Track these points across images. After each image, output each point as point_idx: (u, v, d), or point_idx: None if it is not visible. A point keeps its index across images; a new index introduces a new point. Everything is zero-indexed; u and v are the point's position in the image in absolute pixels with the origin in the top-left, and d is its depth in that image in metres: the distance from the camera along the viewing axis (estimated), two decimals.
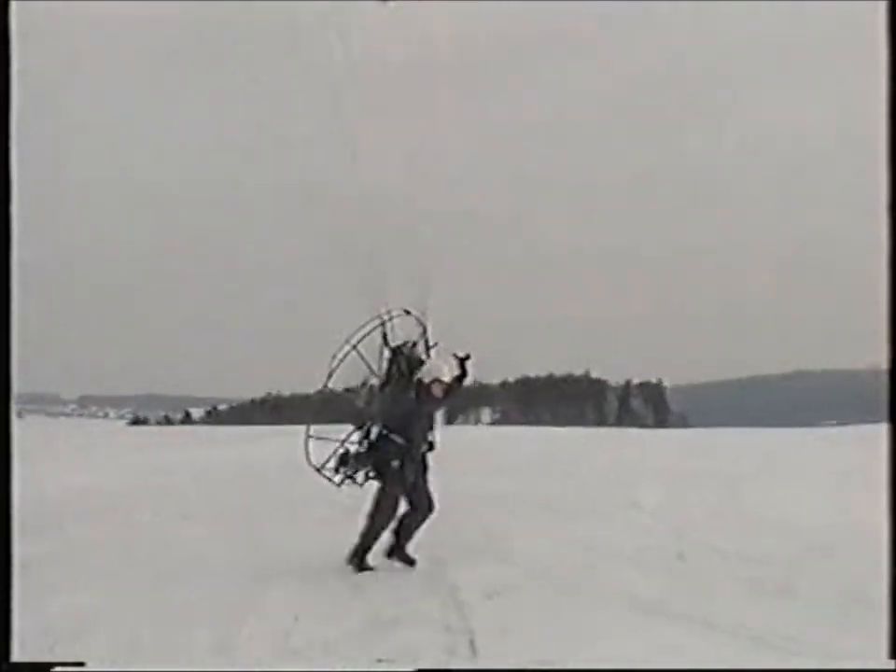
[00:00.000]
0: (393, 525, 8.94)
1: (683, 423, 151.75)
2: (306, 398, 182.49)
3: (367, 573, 8.75)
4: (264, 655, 6.21)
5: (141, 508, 14.21)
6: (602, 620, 7.12)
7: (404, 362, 8.97)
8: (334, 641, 6.49)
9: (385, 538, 9.00)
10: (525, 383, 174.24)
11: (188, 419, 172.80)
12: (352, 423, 9.16)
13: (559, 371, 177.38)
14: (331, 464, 9.14)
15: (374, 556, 8.96)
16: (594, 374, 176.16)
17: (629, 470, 21.21)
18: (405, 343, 9.06)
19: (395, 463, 8.75)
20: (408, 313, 9.01)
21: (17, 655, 4.88)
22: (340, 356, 9.03)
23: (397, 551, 9.00)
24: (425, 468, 9.01)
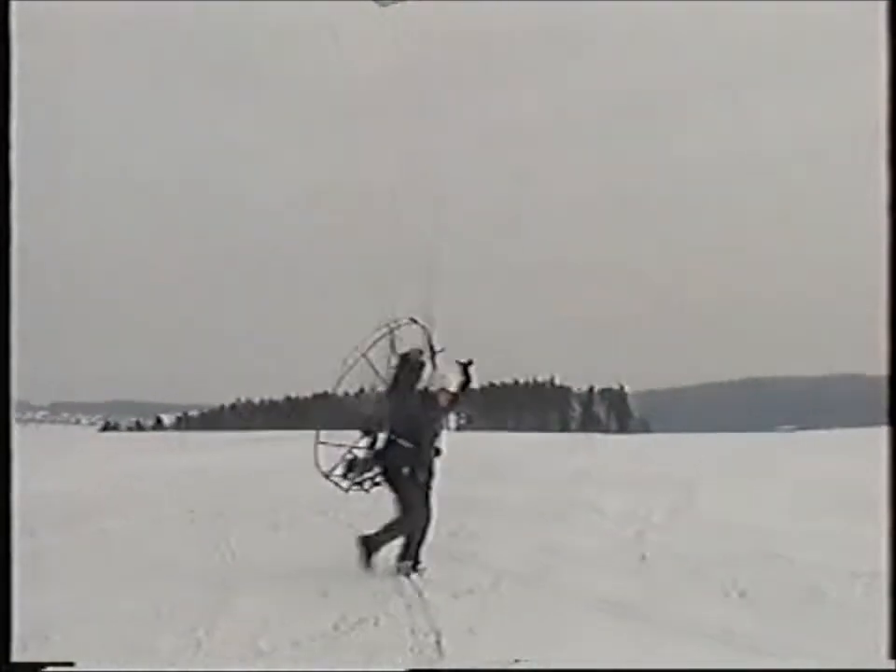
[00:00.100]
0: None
1: (645, 428, 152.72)
2: (275, 404, 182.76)
3: (335, 575, 8.72)
4: (233, 656, 6.21)
5: (113, 512, 14.13)
6: (568, 620, 7.16)
7: (410, 369, 8.97)
8: (302, 642, 6.50)
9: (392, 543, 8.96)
10: (490, 389, 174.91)
11: (159, 425, 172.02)
12: (359, 429, 9.12)
13: (524, 377, 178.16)
14: (339, 470, 9.10)
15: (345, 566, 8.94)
16: (558, 381, 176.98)
17: (592, 475, 21.24)
18: (412, 351, 9.04)
19: (405, 469, 8.73)
20: (414, 321, 9.01)
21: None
22: (350, 362, 9.01)
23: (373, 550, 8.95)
24: (430, 474, 9.00)
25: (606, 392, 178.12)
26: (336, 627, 6.89)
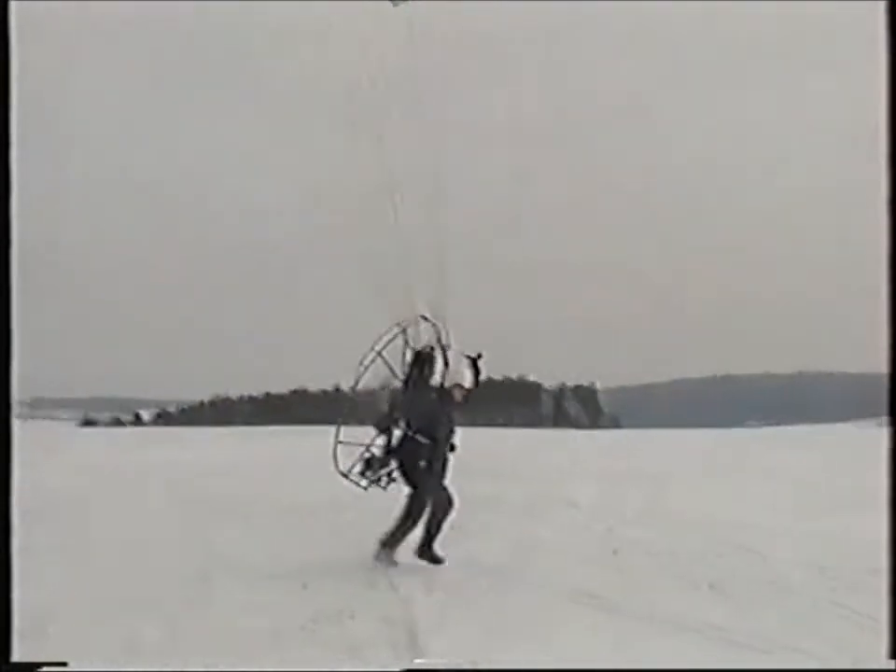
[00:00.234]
0: (421, 525, 8.88)
1: (615, 424, 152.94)
2: (253, 399, 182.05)
3: (313, 570, 8.69)
4: (211, 647, 6.18)
5: (92, 507, 14.07)
6: (542, 612, 7.18)
7: (423, 365, 8.94)
8: (281, 634, 6.48)
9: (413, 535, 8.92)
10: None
11: (138, 421, 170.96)
12: (374, 426, 9.07)
13: (496, 374, 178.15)
14: (357, 468, 9.04)
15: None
16: (529, 377, 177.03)
17: (565, 470, 21.34)
18: (424, 348, 9.01)
19: (422, 463, 8.70)
20: (425, 319, 8.98)
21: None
22: (366, 362, 8.95)
23: (424, 550, 8.92)
24: (444, 469, 8.97)
25: (577, 389, 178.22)
26: (314, 620, 6.87)
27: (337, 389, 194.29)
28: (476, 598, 7.62)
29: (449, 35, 8.27)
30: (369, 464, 8.95)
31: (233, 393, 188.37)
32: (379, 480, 9.00)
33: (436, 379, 8.94)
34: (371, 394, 9.29)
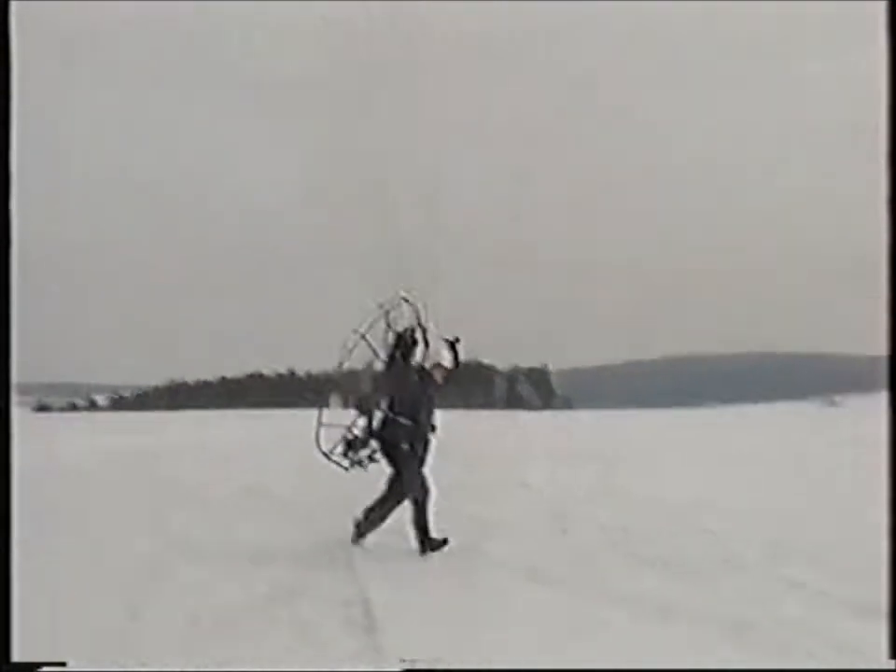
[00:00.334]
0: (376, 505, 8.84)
1: (568, 405, 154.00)
2: (208, 384, 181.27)
3: (268, 551, 8.68)
4: (171, 627, 6.17)
5: (45, 491, 13.95)
6: (493, 589, 7.22)
7: (405, 347, 8.89)
8: (237, 614, 6.48)
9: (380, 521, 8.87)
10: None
11: (93, 406, 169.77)
12: (355, 407, 9.04)
13: None
14: (339, 449, 8.99)
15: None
16: (483, 360, 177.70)
17: (518, 451, 21.44)
18: (407, 330, 8.95)
19: (405, 445, 8.66)
20: (406, 300, 8.93)
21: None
22: (349, 345, 8.89)
23: (364, 534, 8.90)
24: (426, 450, 8.93)
25: (530, 371, 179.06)
26: (269, 599, 6.87)
27: (292, 373, 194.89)
28: (431, 577, 7.66)
29: (449, 34, 8.22)
30: (350, 445, 8.92)
31: (189, 378, 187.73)
32: (360, 461, 8.99)
33: (417, 360, 8.92)
34: (353, 375, 9.27)
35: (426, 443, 8.89)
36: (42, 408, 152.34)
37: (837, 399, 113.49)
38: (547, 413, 78.30)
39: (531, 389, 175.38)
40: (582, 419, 52.51)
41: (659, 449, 24.30)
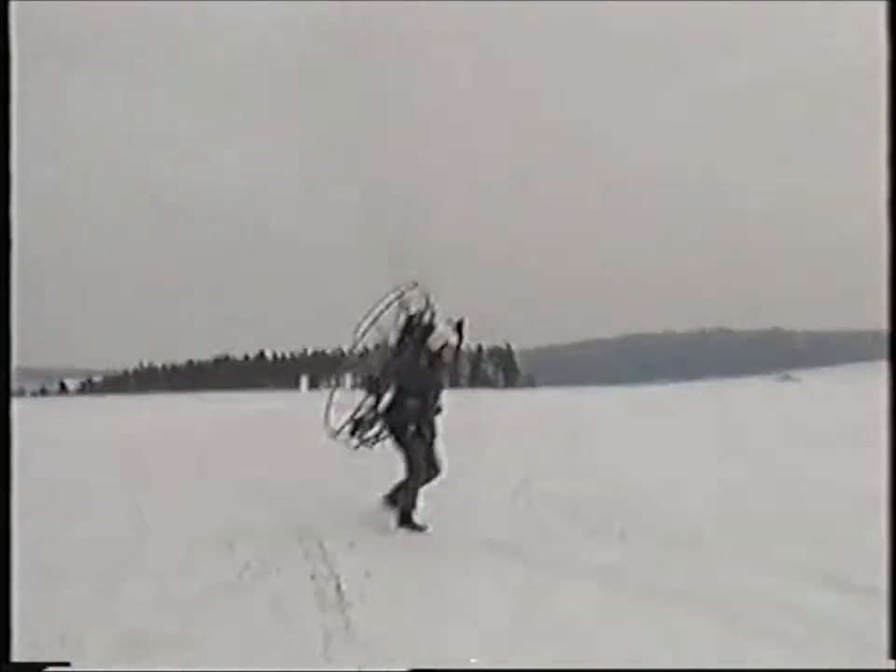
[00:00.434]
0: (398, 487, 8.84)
1: (531, 383, 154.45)
2: (176, 368, 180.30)
3: (240, 531, 8.73)
4: (143, 605, 6.24)
5: (15, 474, 13.89)
6: (458, 562, 7.36)
7: (418, 331, 8.90)
8: (210, 591, 6.56)
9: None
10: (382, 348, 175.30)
11: (63, 390, 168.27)
12: (364, 388, 9.06)
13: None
14: (346, 428, 9.00)
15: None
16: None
17: (481, 428, 21.52)
18: (419, 313, 8.95)
19: (412, 427, 8.70)
20: (416, 284, 8.92)
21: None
22: (363, 327, 8.95)
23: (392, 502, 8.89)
24: (433, 431, 8.97)
25: (494, 350, 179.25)
26: (241, 576, 6.95)
27: (261, 354, 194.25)
28: (399, 552, 7.76)
29: (449, 35, 8.21)
30: (358, 424, 8.99)
31: (157, 361, 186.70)
32: (367, 440, 9.05)
33: (427, 343, 8.92)
34: (363, 357, 9.30)
35: (432, 425, 8.94)
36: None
37: (795, 374, 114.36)
38: (510, 392, 78.34)
39: (494, 368, 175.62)
40: (545, 397, 52.60)
41: (619, 424, 24.46)
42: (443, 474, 8.95)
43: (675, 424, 24.54)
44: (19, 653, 4.60)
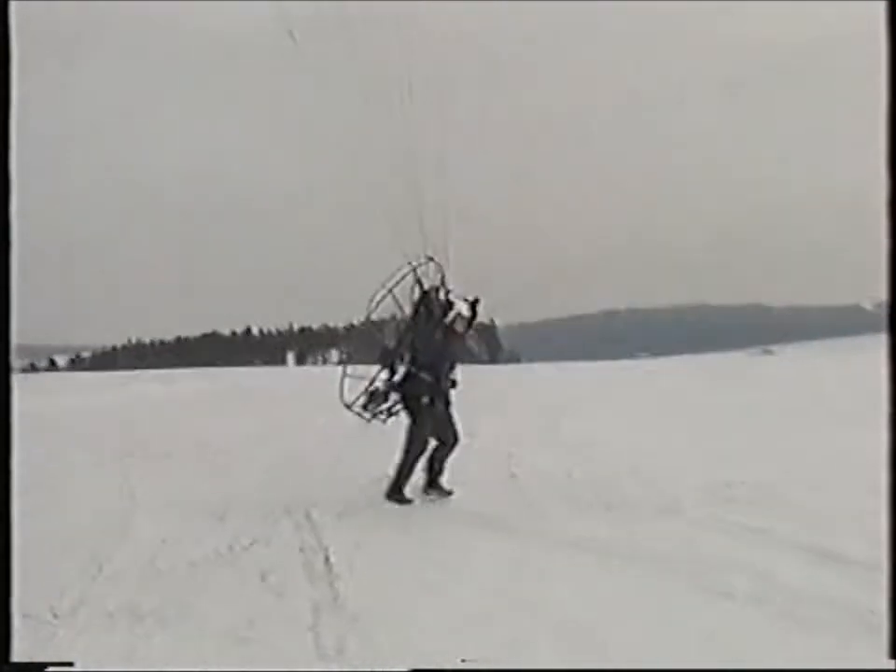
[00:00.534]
0: (424, 460, 8.86)
1: (515, 359, 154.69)
2: (164, 344, 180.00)
3: (230, 505, 8.71)
4: (134, 577, 6.22)
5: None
6: (444, 534, 7.35)
7: (434, 305, 8.84)
8: (197, 562, 6.55)
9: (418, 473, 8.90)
10: (367, 325, 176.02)
11: (53, 366, 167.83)
12: (378, 361, 9.01)
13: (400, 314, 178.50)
14: (360, 401, 8.94)
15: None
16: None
17: (466, 403, 21.53)
18: (434, 287, 8.90)
19: (425, 399, 8.66)
20: (431, 259, 8.87)
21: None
22: (378, 297, 8.87)
23: (432, 484, 8.95)
24: (448, 403, 8.97)
25: (478, 326, 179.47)
26: (230, 548, 6.94)
27: (248, 331, 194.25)
28: (385, 526, 7.76)
29: (449, 35, 8.14)
30: (372, 397, 8.95)
31: (146, 337, 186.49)
32: (381, 413, 9.03)
33: (441, 317, 8.87)
34: (378, 329, 9.27)
35: (446, 397, 8.93)
36: None
37: (773, 348, 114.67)
38: (495, 367, 78.41)
39: (479, 344, 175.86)
40: (529, 372, 52.78)
41: (601, 398, 24.54)
42: (463, 440, 8.97)
43: (656, 397, 24.61)
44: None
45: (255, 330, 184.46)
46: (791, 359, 68.60)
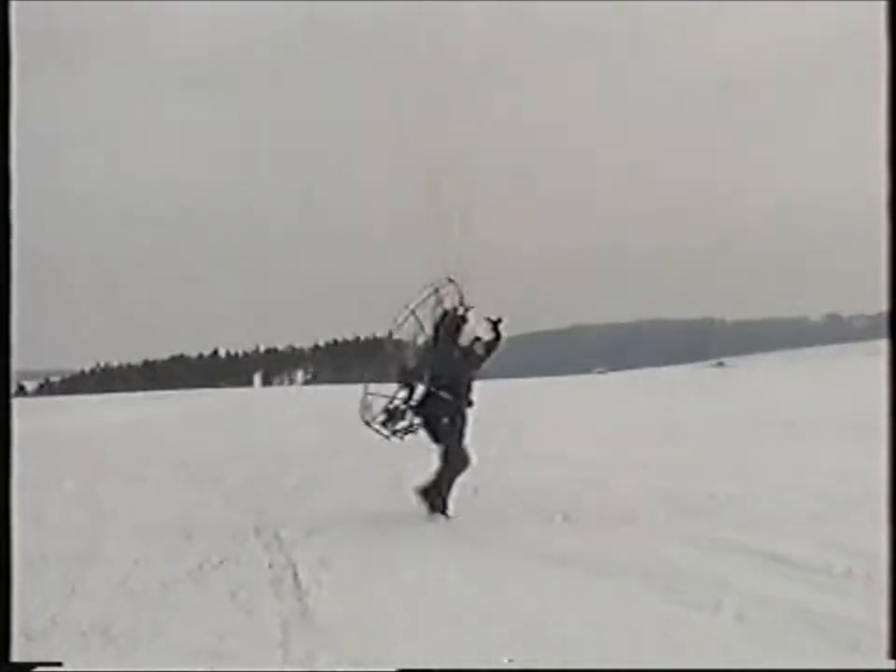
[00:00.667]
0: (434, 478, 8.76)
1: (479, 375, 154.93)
2: (133, 367, 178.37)
3: (199, 523, 8.68)
4: (105, 597, 6.18)
5: None
6: (410, 547, 7.34)
7: (451, 324, 8.84)
8: (169, 583, 6.50)
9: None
10: (334, 345, 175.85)
11: (22, 391, 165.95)
12: (398, 380, 9.00)
13: (364, 334, 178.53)
14: (379, 418, 8.92)
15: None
16: (398, 335, 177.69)
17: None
18: (454, 308, 8.87)
19: (445, 419, 8.64)
20: (451, 281, 8.86)
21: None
22: (399, 319, 8.90)
23: (432, 500, 8.76)
24: (464, 423, 8.87)
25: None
26: (200, 567, 6.91)
27: (215, 353, 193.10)
28: (354, 541, 7.75)
29: (449, 35, 8.13)
30: (391, 415, 8.91)
31: (113, 361, 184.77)
32: (398, 431, 8.99)
33: (461, 338, 8.87)
34: (399, 350, 9.24)
35: (464, 417, 8.86)
36: None
37: (727, 361, 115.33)
38: None
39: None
40: (490, 387, 52.92)
41: (560, 413, 24.66)
42: (474, 463, 8.91)
43: (616, 411, 24.75)
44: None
45: (222, 352, 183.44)
46: (744, 371, 69.12)
